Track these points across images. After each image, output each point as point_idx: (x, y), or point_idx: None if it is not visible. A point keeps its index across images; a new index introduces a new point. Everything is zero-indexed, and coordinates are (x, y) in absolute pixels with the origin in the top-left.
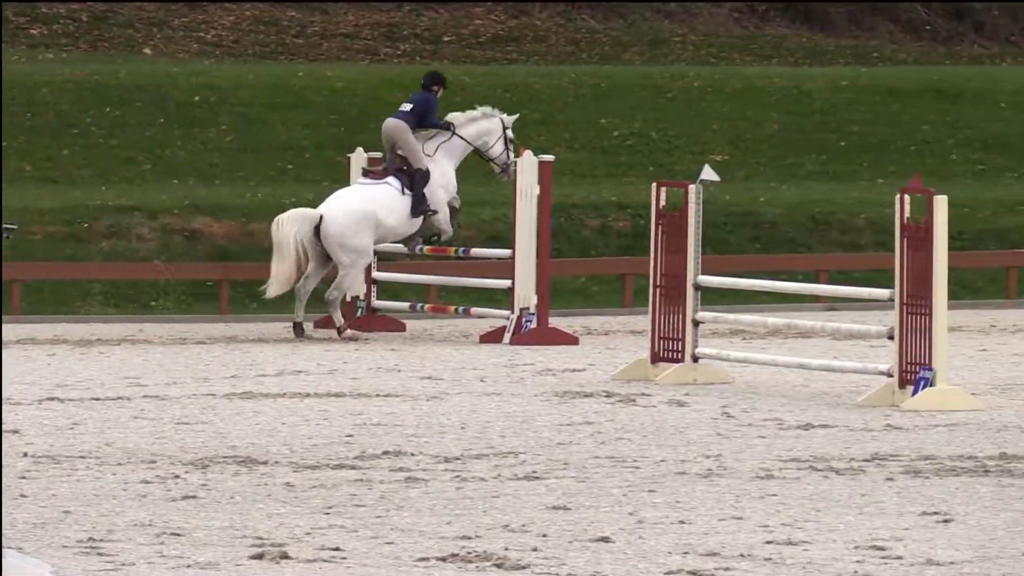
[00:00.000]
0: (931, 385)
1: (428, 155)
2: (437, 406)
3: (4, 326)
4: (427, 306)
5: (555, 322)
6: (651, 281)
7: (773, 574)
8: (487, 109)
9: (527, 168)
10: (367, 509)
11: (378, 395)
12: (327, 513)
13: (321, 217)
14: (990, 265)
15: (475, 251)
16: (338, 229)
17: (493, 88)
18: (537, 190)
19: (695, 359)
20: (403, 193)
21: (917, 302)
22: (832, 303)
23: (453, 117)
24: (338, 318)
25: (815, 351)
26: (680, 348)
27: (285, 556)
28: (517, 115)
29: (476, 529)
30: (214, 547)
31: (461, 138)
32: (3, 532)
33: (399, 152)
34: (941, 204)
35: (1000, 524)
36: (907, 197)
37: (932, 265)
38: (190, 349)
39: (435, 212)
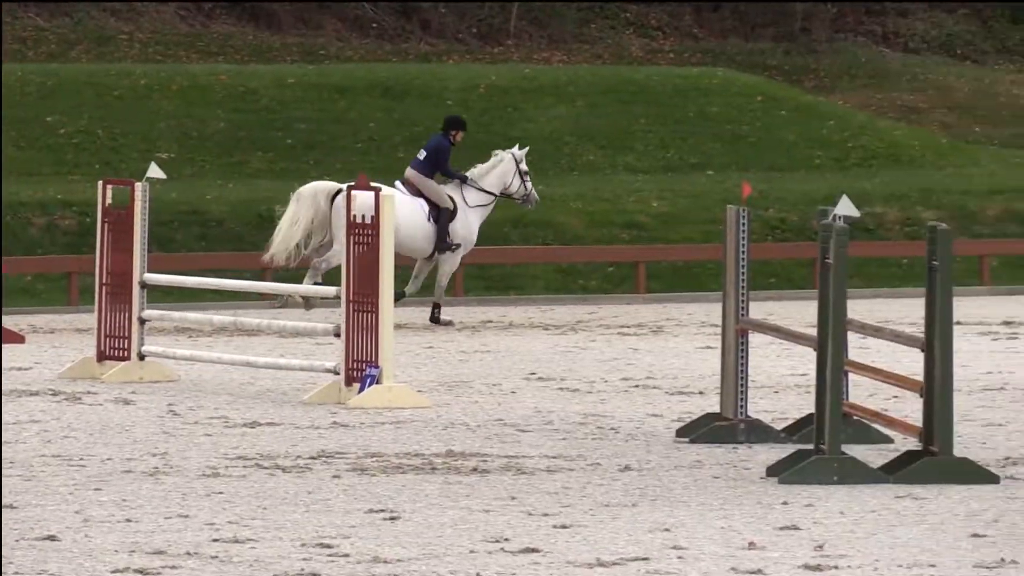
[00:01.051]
0: (378, 383)
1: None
2: None
3: None
4: None
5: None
6: (97, 279)
7: (220, 572)
8: (500, 153)
9: None
10: None
11: None
12: None
13: (339, 190)
14: None
15: None
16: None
17: None
18: None
19: (141, 357)
20: (428, 220)
21: (364, 299)
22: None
23: (472, 172)
24: None
25: (262, 349)
26: (126, 346)
27: None
28: (527, 148)
29: None
30: None
31: (481, 190)
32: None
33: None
34: (388, 202)
35: (447, 521)
36: (354, 194)
37: (379, 262)
38: None
39: (458, 246)
